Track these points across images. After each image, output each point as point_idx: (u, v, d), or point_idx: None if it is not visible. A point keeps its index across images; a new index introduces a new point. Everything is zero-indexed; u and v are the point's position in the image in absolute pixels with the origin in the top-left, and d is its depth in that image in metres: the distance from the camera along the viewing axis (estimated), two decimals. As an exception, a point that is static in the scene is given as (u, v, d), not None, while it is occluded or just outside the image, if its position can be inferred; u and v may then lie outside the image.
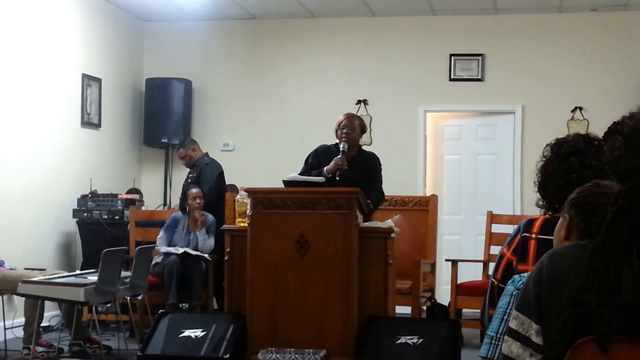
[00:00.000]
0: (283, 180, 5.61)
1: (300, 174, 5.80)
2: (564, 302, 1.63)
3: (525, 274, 2.06)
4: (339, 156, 5.76)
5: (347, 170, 5.75)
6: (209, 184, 7.45)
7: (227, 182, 7.77)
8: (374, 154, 6.09)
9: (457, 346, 5.19)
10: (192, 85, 9.23)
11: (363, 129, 6.04)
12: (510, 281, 2.11)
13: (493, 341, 2.08)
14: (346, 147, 5.81)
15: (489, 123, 9.00)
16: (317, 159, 5.93)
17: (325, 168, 5.76)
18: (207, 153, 7.86)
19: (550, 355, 1.62)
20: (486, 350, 2.09)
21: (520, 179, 8.59)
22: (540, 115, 8.67)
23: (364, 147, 6.20)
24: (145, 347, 5.37)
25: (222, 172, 7.66)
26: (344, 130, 5.86)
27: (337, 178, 5.67)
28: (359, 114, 8.91)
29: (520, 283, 2.03)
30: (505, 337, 1.77)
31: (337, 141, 5.89)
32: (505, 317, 2.04)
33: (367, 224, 5.59)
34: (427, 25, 8.96)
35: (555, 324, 1.62)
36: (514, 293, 2.04)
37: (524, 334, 1.71)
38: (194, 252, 6.86)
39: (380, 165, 6.02)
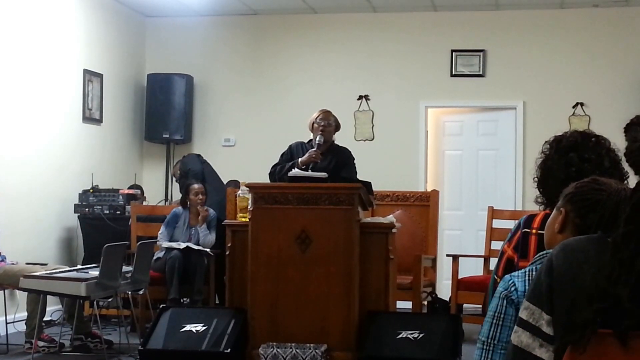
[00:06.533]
0: (288, 175, 5.66)
1: (274, 166, 5.94)
2: (580, 293, 1.61)
3: (517, 272, 2.04)
4: (313, 149, 5.87)
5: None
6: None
7: (229, 177, 7.79)
8: (346, 148, 6.19)
9: (457, 341, 5.20)
10: (194, 80, 9.23)
11: (337, 126, 6.16)
12: (501, 281, 2.08)
13: (484, 346, 2.06)
14: (321, 140, 5.92)
15: (490, 119, 9.00)
16: (291, 153, 6.05)
17: (299, 159, 5.85)
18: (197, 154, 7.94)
19: (570, 340, 1.59)
20: (479, 356, 2.07)
21: (522, 174, 8.59)
22: (542, 111, 8.67)
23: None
24: (147, 341, 5.38)
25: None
26: (321, 124, 5.99)
27: (310, 170, 5.74)
28: (361, 109, 9.02)
29: (510, 283, 2.01)
30: (515, 327, 1.76)
31: (312, 137, 6.00)
32: (495, 321, 2.02)
33: (368, 219, 5.60)
34: (429, 21, 8.96)
35: (573, 314, 1.61)
36: (501, 295, 2.01)
37: (534, 324, 1.70)
38: (196, 247, 6.87)
39: (353, 157, 6.12)
